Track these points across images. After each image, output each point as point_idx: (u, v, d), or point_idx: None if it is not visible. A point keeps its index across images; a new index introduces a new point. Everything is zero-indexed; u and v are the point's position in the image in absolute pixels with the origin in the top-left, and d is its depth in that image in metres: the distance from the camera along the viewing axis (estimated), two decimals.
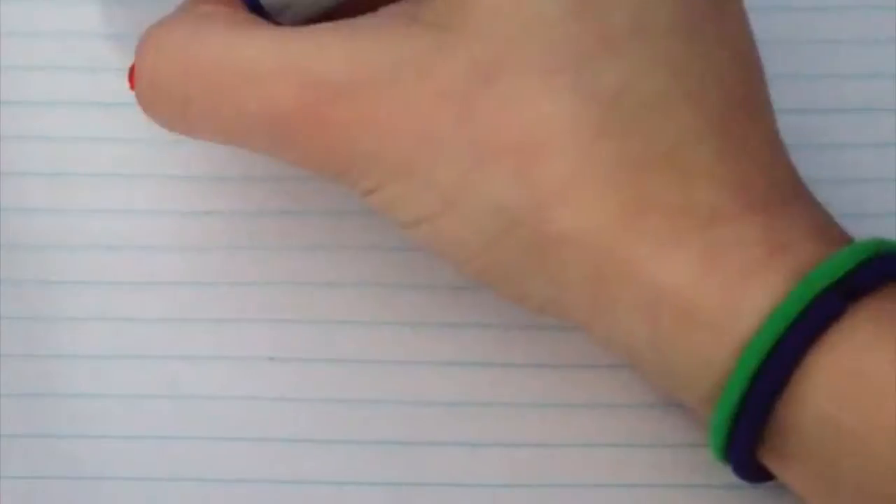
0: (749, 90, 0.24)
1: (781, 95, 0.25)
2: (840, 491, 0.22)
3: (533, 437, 0.28)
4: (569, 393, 0.28)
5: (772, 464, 0.23)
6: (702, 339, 0.22)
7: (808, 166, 0.25)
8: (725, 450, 0.23)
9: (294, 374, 0.28)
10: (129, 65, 0.30)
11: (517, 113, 0.22)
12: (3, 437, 0.27)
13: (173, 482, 0.27)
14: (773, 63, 0.26)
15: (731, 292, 0.21)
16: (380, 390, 0.28)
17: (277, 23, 0.25)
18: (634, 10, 0.22)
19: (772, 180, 0.23)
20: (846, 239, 0.23)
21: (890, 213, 0.29)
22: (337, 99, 0.23)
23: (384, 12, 0.24)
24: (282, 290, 0.29)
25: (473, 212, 0.23)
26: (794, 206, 0.23)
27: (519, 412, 0.28)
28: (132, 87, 0.26)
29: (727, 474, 0.24)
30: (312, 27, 0.23)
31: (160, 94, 0.25)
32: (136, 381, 0.28)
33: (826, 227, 0.23)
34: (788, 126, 0.25)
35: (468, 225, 0.23)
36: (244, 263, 0.29)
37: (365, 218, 0.29)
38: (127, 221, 0.30)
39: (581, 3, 0.22)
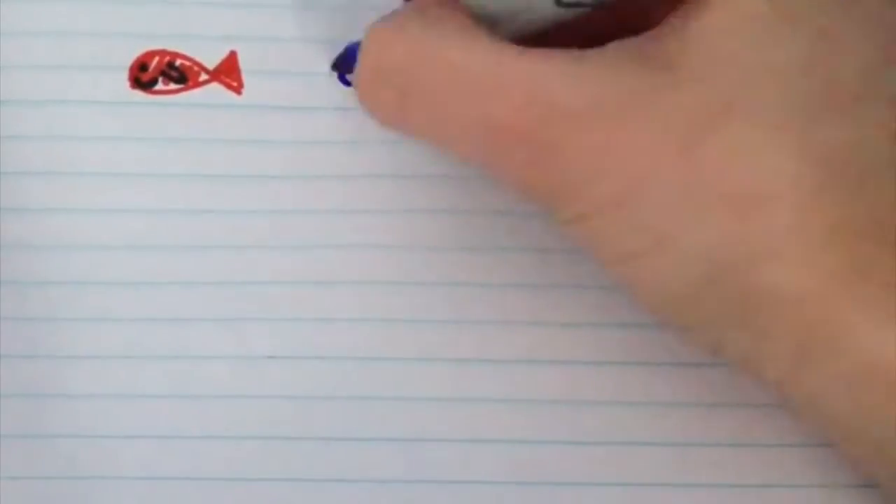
0: None
1: None
2: None
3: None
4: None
5: None
6: None
7: None
8: None
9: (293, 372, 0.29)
10: (129, 63, 0.30)
11: (740, 162, 0.22)
12: (2, 437, 0.27)
13: (174, 481, 0.28)
14: None
15: None
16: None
17: None
18: (863, 72, 0.22)
19: None
20: None
21: None
22: (560, 122, 0.22)
23: (613, 46, 0.23)
24: (282, 289, 0.29)
25: (681, 255, 0.22)
26: None
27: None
28: (337, 70, 0.28)
29: None
30: (542, 50, 0.23)
31: (381, 86, 0.25)
32: (136, 380, 0.28)
33: None
34: None
35: (673, 268, 0.22)
36: (244, 262, 0.29)
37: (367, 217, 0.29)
38: (127, 220, 0.29)
39: (811, 58, 0.22)
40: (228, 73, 0.30)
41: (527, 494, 0.28)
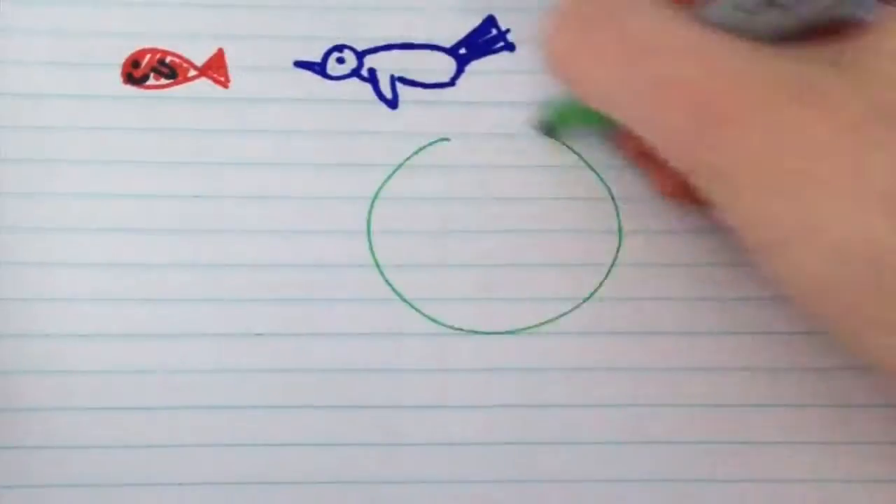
0: None
1: None
2: None
3: None
4: None
5: None
6: None
7: None
8: None
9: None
10: (122, 60, 0.32)
11: None
12: None
13: (159, 449, 0.29)
14: None
15: None
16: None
17: None
18: None
19: None
20: None
21: None
22: (734, 93, 0.22)
23: (794, 46, 0.23)
24: (267, 271, 0.30)
25: (843, 246, 0.22)
26: None
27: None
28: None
29: None
30: (732, 37, 0.23)
31: (566, 35, 0.25)
32: (125, 362, 0.29)
33: None
34: None
35: (833, 258, 0.22)
36: (236, 248, 0.30)
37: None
38: (119, 205, 0.31)
39: None
40: (216, 68, 0.32)
41: None
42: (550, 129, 0.31)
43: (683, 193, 0.28)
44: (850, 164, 0.22)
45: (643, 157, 0.30)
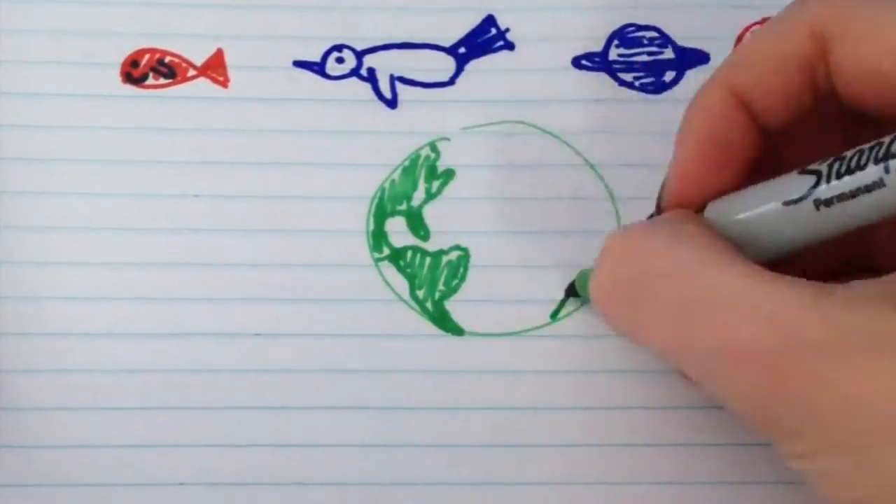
0: None
1: None
2: None
3: None
4: None
5: None
6: None
7: None
8: None
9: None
10: (122, 60, 0.32)
11: None
12: None
13: (158, 448, 0.29)
14: None
15: None
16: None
17: None
18: None
19: None
20: None
21: None
22: (804, 353, 0.21)
23: (860, 283, 0.22)
24: (266, 270, 0.30)
25: None
26: None
27: None
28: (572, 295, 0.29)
29: None
30: (790, 277, 0.22)
31: (616, 290, 0.25)
32: (124, 361, 0.29)
33: None
34: None
35: None
36: (229, 244, 0.30)
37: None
38: (118, 204, 0.31)
39: None
40: (215, 68, 0.32)
41: None
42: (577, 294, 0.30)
43: None
44: None
45: None
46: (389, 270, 0.30)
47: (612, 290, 0.25)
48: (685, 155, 0.26)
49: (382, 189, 0.31)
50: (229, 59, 0.32)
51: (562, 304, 0.30)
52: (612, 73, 0.32)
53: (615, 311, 0.25)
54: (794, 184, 0.23)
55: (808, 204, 0.23)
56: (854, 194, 0.22)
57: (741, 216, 0.24)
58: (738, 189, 0.25)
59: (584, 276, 0.29)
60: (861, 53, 0.23)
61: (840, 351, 0.21)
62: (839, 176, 0.22)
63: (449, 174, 0.31)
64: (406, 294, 0.30)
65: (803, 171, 0.23)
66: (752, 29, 0.33)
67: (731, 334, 0.22)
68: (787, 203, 0.23)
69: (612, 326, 0.26)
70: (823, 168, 0.23)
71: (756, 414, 0.22)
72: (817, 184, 0.23)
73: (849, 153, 0.22)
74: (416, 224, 0.31)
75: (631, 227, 0.26)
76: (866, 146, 0.22)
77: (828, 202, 0.23)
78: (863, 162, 0.22)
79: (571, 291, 0.30)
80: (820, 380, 0.21)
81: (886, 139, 0.22)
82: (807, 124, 0.25)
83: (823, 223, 0.23)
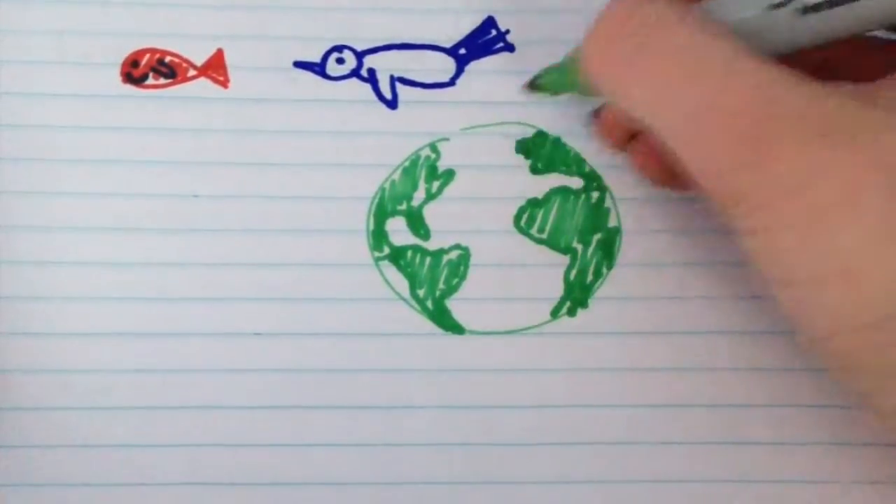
0: None
1: None
2: None
3: None
4: None
5: None
6: None
7: None
8: None
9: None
10: (122, 60, 0.32)
11: None
12: None
13: (158, 448, 0.29)
14: None
15: None
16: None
17: None
18: None
19: None
20: None
21: None
22: (780, 123, 0.22)
23: (841, 83, 0.23)
24: (268, 269, 0.30)
25: (867, 285, 0.21)
26: None
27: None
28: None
29: None
30: (778, 63, 0.23)
31: (610, 46, 0.25)
32: (124, 361, 0.29)
33: None
34: None
35: (854, 300, 0.21)
36: (235, 247, 0.30)
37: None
38: (118, 204, 0.31)
39: None
40: (216, 68, 0.32)
41: None
42: (537, 87, 0.30)
43: (669, 178, 0.29)
44: (883, 203, 0.21)
45: (630, 142, 0.30)
46: (390, 270, 0.30)
47: (606, 46, 0.25)
48: None
49: (383, 189, 0.31)
50: (229, 60, 0.32)
51: (562, 301, 0.30)
52: None
53: (605, 67, 0.25)
54: None
55: (792, 8, 0.23)
56: (840, 1, 0.23)
57: (725, 19, 0.24)
58: None
59: (551, 68, 0.29)
60: None
61: (816, 127, 0.22)
62: None
63: (449, 174, 0.31)
64: (406, 293, 0.30)
65: None
66: None
67: (718, 97, 0.22)
68: (772, 6, 0.24)
69: (598, 83, 0.26)
70: None
71: (721, 183, 0.23)
72: None
73: None
74: (417, 224, 0.31)
75: None
76: None
77: (816, 7, 0.23)
78: None
79: (533, 85, 0.30)
80: (789, 151, 0.22)
81: None
82: None
83: (806, 30, 0.23)
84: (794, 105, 0.22)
